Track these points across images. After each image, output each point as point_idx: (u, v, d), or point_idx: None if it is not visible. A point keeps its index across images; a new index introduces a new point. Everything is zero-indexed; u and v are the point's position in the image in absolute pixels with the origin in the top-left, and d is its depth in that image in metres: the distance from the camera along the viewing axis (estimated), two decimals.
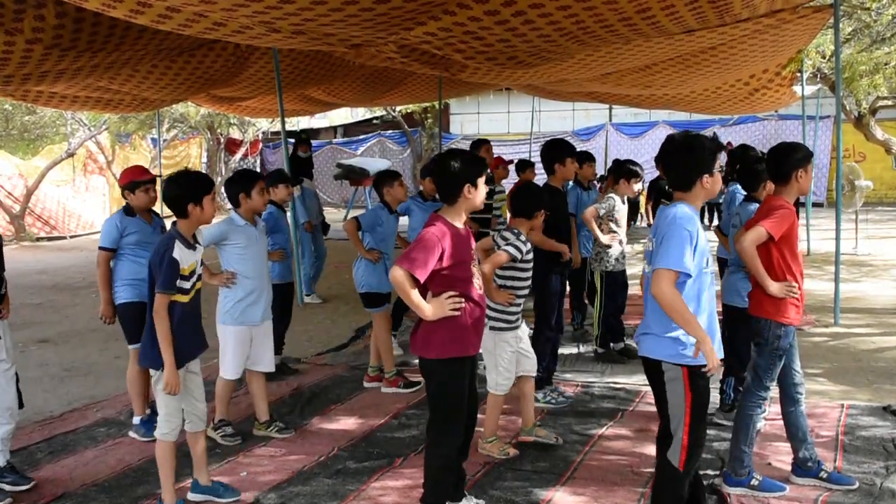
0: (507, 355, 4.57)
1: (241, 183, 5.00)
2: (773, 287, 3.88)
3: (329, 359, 6.95)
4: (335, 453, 4.71)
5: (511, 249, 4.43)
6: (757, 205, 4.56)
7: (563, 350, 6.94)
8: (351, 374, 6.33)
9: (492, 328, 4.42)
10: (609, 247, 6.58)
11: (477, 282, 3.69)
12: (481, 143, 8.31)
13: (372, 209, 6.13)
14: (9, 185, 18.11)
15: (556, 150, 5.66)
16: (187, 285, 3.88)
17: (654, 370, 3.36)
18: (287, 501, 4.05)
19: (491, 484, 4.18)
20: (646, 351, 3.39)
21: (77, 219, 18.85)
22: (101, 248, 5.03)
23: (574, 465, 4.45)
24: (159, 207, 5.48)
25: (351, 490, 4.17)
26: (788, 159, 4.00)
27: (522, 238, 4.56)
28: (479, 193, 3.63)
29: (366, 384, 6.05)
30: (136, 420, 5.12)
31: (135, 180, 5.08)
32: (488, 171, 3.70)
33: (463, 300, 3.55)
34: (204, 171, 23.12)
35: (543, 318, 5.61)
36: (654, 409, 5.28)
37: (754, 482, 4.03)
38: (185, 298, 3.88)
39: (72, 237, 18.05)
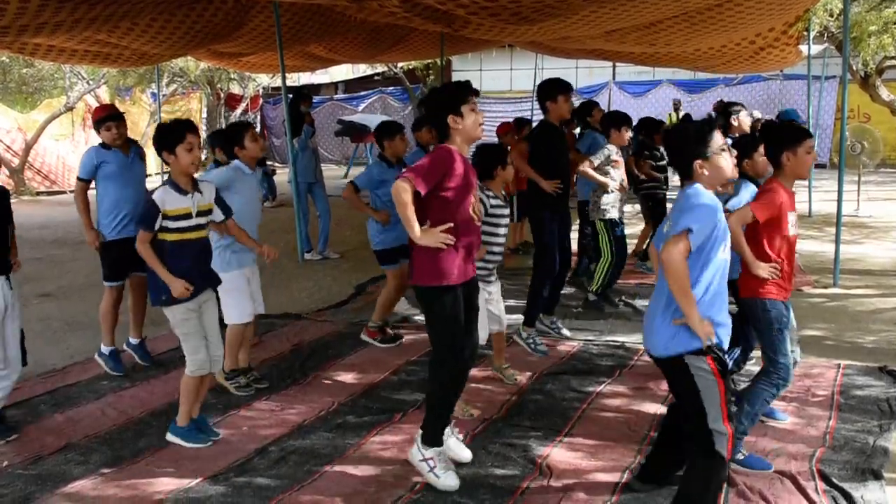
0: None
1: (229, 140, 5.10)
2: (758, 268, 3.87)
3: (329, 315, 6.98)
4: (335, 408, 4.76)
5: None
6: (750, 183, 4.54)
7: (567, 301, 7.03)
8: (351, 330, 6.36)
9: None
10: (606, 193, 6.64)
11: (474, 210, 3.71)
12: None
13: (368, 168, 6.07)
14: (7, 139, 18.01)
15: (547, 89, 5.67)
16: (172, 225, 4.12)
17: (674, 366, 3.23)
18: (287, 455, 4.09)
19: (489, 439, 4.23)
20: (662, 349, 3.25)
21: (77, 173, 18.79)
22: (78, 178, 5.46)
23: (572, 421, 4.50)
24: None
25: (350, 444, 4.22)
26: (775, 141, 3.95)
27: (489, 193, 4.74)
28: (468, 121, 3.61)
29: (363, 337, 6.09)
30: (104, 349, 5.45)
31: (96, 119, 5.49)
32: (474, 96, 3.66)
33: (453, 238, 3.57)
34: (203, 125, 23.13)
35: (538, 257, 5.67)
36: (652, 366, 5.33)
37: (739, 456, 3.93)
38: (170, 237, 4.13)
39: (71, 192, 17.96)
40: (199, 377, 4.25)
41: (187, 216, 4.18)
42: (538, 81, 21.46)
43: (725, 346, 3.28)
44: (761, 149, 4.65)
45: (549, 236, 5.64)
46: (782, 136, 3.94)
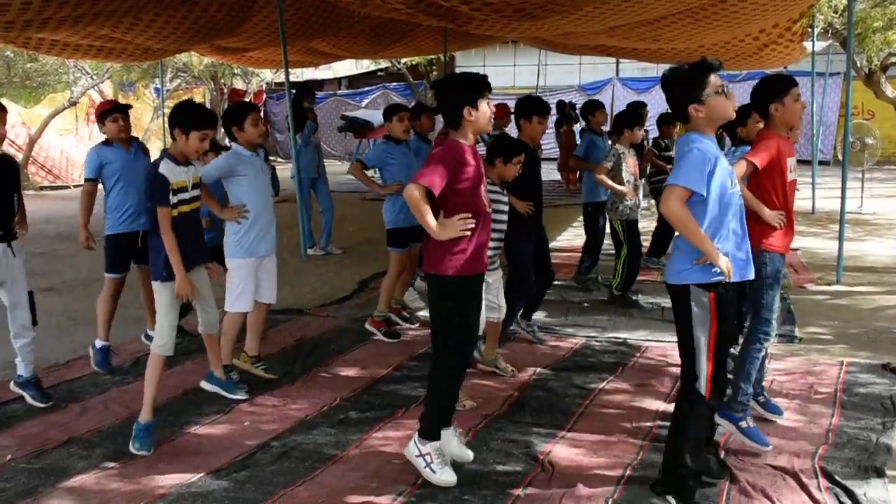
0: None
1: (231, 117, 5.03)
2: (767, 213, 3.97)
3: (332, 311, 6.97)
4: (337, 404, 4.76)
5: None
6: (746, 147, 4.64)
7: (570, 298, 7.05)
8: (353, 326, 6.36)
9: None
10: (625, 196, 6.64)
11: (485, 200, 3.73)
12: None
13: (376, 147, 6.12)
14: (11, 133, 17.99)
15: (525, 108, 5.55)
16: (173, 199, 4.15)
17: (681, 296, 3.37)
18: (289, 450, 4.09)
19: (491, 435, 4.22)
20: (674, 277, 3.40)
21: (80, 168, 18.70)
22: (85, 179, 5.44)
23: (574, 418, 4.49)
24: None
25: (353, 440, 4.22)
26: (762, 94, 4.05)
27: (486, 180, 4.73)
28: (482, 114, 3.60)
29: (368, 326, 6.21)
30: (98, 343, 5.43)
31: (102, 111, 5.44)
32: (489, 91, 3.68)
33: (473, 222, 3.57)
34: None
35: (516, 281, 5.61)
36: (654, 363, 5.36)
37: (743, 424, 4.04)
38: (174, 212, 4.16)
39: (75, 186, 17.99)
40: (164, 359, 4.24)
41: (184, 189, 4.23)
42: (541, 78, 21.30)
43: (749, 276, 3.41)
44: (756, 115, 4.74)
45: (523, 265, 5.52)
46: (768, 89, 4.04)
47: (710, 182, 3.23)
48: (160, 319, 4.24)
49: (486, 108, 3.62)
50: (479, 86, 3.62)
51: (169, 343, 4.23)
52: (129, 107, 5.56)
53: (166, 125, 17.14)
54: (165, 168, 4.12)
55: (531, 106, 5.55)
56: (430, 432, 3.74)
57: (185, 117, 4.19)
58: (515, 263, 5.56)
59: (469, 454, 3.94)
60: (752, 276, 3.46)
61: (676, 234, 3.44)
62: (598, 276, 7.58)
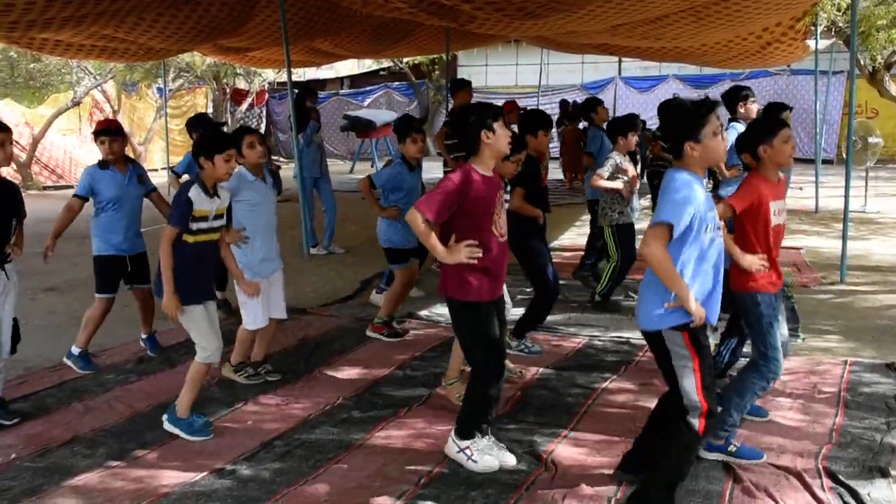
0: None
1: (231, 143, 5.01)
2: (745, 261, 3.85)
3: (334, 310, 6.98)
4: (340, 403, 4.76)
5: None
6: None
7: (572, 298, 7.04)
8: (356, 325, 6.36)
9: None
10: (618, 196, 6.59)
11: (498, 229, 3.77)
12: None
13: (390, 168, 6.02)
14: (15, 133, 17.98)
15: (530, 123, 5.60)
16: (193, 227, 4.20)
17: (656, 342, 3.35)
18: (292, 449, 4.10)
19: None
20: (645, 323, 3.36)
21: (84, 168, 18.79)
22: (74, 194, 5.47)
23: (577, 417, 4.49)
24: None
25: (356, 439, 4.23)
26: (751, 138, 3.98)
27: None
28: (499, 137, 3.70)
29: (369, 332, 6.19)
30: (75, 350, 5.42)
31: (94, 132, 5.49)
32: (502, 114, 3.77)
33: (481, 251, 3.64)
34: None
35: (538, 279, 5.59)
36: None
37: (732, 448, 3.91)
38: (189, 238, 4.20)
39: None
40: (208, 364, 4.31)
41: (205, 218, 4.27)
42: (543, 77, 21.31)
43: (714, 321, 3.38)
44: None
45: (542, 257, 5.56)
46: (756, 133, 3.99)
47: (692, 224, 3.18)
48: (198, 339, 4.29)
49: (502, 131, 3.70)
50: (492, 110, 3.72)
51: (214, 354, 4.30)
52: (118, 131, 5.48)
53: (168, 125, 17.10)
54: (194, 193, 4.19)
55: (535, 121, 5.62)
56: (463, 433, 3.88)
57: (204, 146, 4.24)
58: (535, 267, 5.55)
59: (511, 459, 3.93)
60: (715, 321, 3.39)
61: (644, 276, 3.38)
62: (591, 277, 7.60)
